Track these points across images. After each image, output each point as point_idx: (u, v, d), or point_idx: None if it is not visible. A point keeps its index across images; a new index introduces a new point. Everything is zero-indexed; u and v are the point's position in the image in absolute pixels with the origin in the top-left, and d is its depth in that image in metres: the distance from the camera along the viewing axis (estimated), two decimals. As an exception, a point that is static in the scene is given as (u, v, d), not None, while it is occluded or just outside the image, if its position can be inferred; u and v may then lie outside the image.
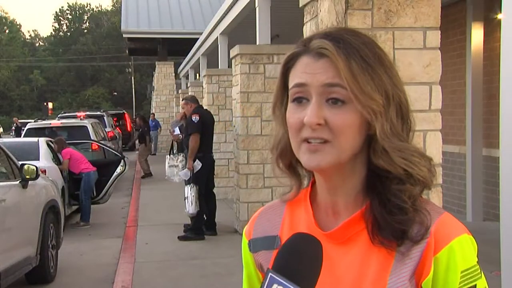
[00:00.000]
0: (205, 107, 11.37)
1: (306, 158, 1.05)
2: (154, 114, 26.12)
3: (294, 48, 1.09)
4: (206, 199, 8.57)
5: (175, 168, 9.09)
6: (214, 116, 9.56)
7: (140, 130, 17.72)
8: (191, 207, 8.35)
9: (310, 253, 0.99)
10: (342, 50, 1.02)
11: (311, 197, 1.16)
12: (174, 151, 9.65)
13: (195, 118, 8.23)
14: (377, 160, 1.05)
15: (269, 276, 0.94)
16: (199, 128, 8.18)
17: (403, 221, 1.03)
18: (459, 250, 1.03)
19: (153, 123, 23.55)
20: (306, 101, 1.04)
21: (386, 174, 1.06)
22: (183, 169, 8.52)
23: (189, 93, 9.87)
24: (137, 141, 18.91)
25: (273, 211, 1.21)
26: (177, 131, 9.52)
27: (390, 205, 1.05)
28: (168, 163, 9.38)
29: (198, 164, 8.23)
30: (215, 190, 8.99)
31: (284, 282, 0.93)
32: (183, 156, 8.76)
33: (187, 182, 8.44)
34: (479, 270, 1.05)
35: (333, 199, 1.11)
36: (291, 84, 1.07)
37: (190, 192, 8.35)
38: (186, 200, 8.34)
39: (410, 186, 1.06)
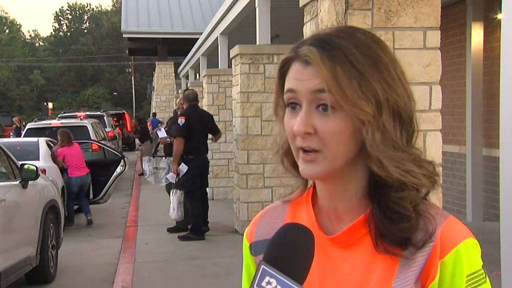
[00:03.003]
0: (205, 107, 11.40)
1: (302, 167, 1.05)
2: (155, 114, 26.17)
3: (287, 53, 1.08)
4: (201, 198, 8.57)
5: (158, 170, 9.12)
6: (214, 116, 9.53)
7: (137, 131, 17.75)
8: (173, 212, 8.41)
9: (302, 243, 0.98)
10: (327, 57, 1.00)
11: (313, 200, 1.15)
12: (158, 153, 9.70)
13: (181, 121, 8.16)
14: (372, 166, 1.04)
15: (261, 268, 0.93)
16: (183, 132, 8.09)
17: (405, 229, 1.02)
18: (465, 254, 1.02)
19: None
20: (299, 107, 1.03)
21: (384, 181, 1.04)
22: (169, 172, 8.56)
23: (190, 89, 9.76)
24: (137, 140, 19.03)
25: (275, 214, 1.20)
26: (163, 133, 9.51)
27: (391, 212, 1.03)
28: (153, 165, 9.48)
29: (183, 168, 8.18)
30: (215, 190, 9.01)
31: (277, 275, 0.92)
32: (168, 158, 8.77)
33: (172, 187, 8.50)
34: (484, 274, 1.04)
35: (335, 204, 1.10)
36: (285, 89, 1.06)
37: (172, 197, 8.41)
38: (170, 205, 8.47)
39: (410, 192, 1.04)
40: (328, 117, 1.01)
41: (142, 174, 17.04)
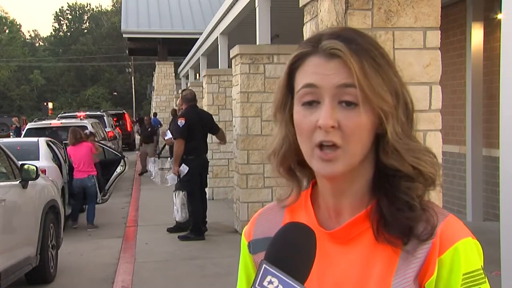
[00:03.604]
0: (205, 107, 11.40)
1: (319, 166, 1.04)
2: (155, 114, 26.20)
3: (301, 48, 1.07)
4: (201, 198, 8.56)
5: (163, 171, 9.17)
6: (214, 116, 9.53)
7: (150, 129, 17.64)
8: (177, 214, 8.40)
9: (303, 242, 0.98)
10: (354, 51, 1.01)
11: (312, 198, 1.15)
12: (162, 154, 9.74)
13: (181, 122, 8.13)
14: (387, 160, 1.05)
15: (263, 267, 0.93)
16: (184, 133, 8.07)
17: (411, 218, 1.03)
18: (463, 253, 1.02)
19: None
20: (317, 104, 1.03)
21: (395, 173, 1.05)
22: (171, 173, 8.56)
23: (188, 89, 9.77)
24: (137, 140, 18.97)
25: (273, 212, 1.20)
26: (169, 134, 9.54)
27: (399, 202, 1.05)
28: (159, 166, 9.53)
29: (184, 169, 8.16)
30: (215, 190, 9.02)
31: (278, 274, 0.92)
32: (170, 159, 8.80)
33: (174, 189, 8.50)
34: (483, 275, 1.04)
35: (337, 201, 1.10)
36: (299, 84, 1.05)
37: (175, 199, 8.40)
38: (174, 207, 8.46)
39: (419, 184, 1.06)
40: (353, 112, 1.01)
41: (141, 174, 17.01)
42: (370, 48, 1.03)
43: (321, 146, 1.02)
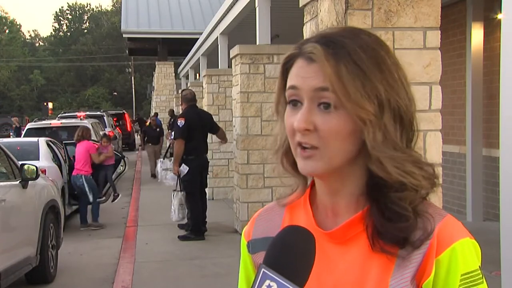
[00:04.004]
0: (205, 107, 11.41)
1: (301, 164, 1.05)
2: (156, 114, 26.17)
3: (291, 49, 1.08)
4: (201, 198, 8.57)
5: (167, 171, 9.20)
6: (214, 116, 9.53)
7: (159, 130, 17.53)
8: (174, 215, 8.40)
9: (302, 246, 0.97)
10: (331, 55, 1.00)
11: (311, 199, 1.15)
12: (168, 154, 9.76)
13: (180, 122, 8.15)
14: (372, 167, 1.04)
15: (261, 271, 0.92)
16: (184, 134, 8.08)
17: (404, 228, 1.02)
18: (461, 253, 1.02)
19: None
20: (301, 104, 1.04)
21: (383, 182, 1.04)
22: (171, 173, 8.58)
23: (187, 89, 9.78)
24: (137, 140, 18.85)
25: (273, 212, 1.20)
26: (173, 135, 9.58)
27: (389, 212, 1.03)
28: (161, 167, 9.54)
29: (184, 169, 8.17)
30: (215, 190, 9.02)
31: (277, 278, 0.91)
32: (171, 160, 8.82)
33: (173, 189, 8.53)
34: (481, 275, 1.03)
35: (333, 201, 1.10)
36: (287, 85, 1.07)
37: (173, 199, 8.40)
38: (172, 207, 8.46)
39: (409, 192, 1.04)
40: (329, 115, 1.01)
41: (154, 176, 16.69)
42: (356, 52, 1.01)
43: (302, 146, 1.04)
